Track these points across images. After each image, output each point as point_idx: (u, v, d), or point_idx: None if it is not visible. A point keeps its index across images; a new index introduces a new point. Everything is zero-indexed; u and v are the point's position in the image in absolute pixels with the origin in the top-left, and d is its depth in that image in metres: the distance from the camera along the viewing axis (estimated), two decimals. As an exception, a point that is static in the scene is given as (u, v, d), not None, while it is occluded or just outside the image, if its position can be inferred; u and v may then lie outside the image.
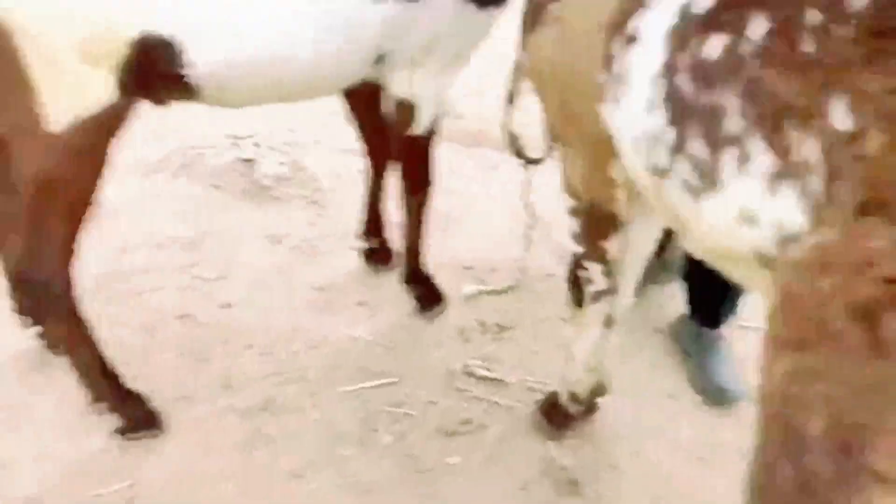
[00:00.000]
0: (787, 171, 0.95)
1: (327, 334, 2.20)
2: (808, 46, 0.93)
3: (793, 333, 0.91)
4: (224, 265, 2.46)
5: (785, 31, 0.95)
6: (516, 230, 2.61)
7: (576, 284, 1.74)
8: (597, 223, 1.61)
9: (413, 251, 2.23)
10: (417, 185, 2.11)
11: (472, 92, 3.11)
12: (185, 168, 2.93)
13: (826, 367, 0.86)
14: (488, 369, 2.12)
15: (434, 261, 2.32)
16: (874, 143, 0.86)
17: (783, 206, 0.97)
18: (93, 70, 1.37)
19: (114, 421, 1.81)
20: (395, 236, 2.43)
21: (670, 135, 1.11)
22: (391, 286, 2.37)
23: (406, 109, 1.95)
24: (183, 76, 1.45)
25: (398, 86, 1.91)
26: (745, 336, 2.18)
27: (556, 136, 1.64)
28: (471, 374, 2.10)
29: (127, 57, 1.38)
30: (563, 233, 2.57)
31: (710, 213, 1.08)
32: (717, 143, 1.03)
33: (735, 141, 1.01)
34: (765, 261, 1.04)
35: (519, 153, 1.99)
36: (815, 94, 0.91)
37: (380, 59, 1.78)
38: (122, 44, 1.37)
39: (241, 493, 1.75)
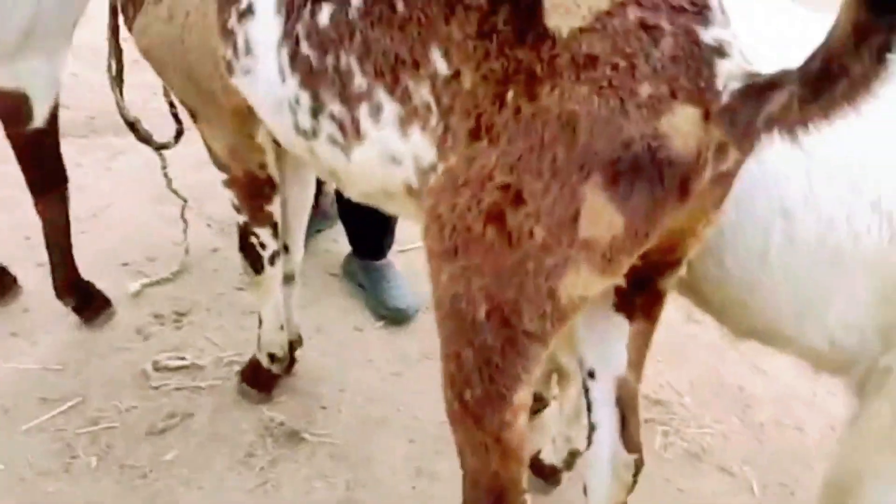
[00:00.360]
0: (412, 114, 1.13)
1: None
2: (402, 8, 1.10)
3: (446, 245, 1.11)
4: None
5: None
6: (164, 213, 2.56)
7: (249, 252, 1.80)
8: (255, 190, 1.69)
9: (62, 261, 2.06)
10: (49, 186, 1.95)
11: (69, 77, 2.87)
12: None
13: (476, 264, 1.08)
14: (180, 358, 2.10)
15: (85, 265, 2.17)
16: (467, 79, 1.07)
17: (415, 143, 1.16)
18: None
19: None
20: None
21: (305, 98, 1.23)
22: (44, 308, 2.17)
23: (17, 101, 1.79)
24: None
25: (3, 77, 1.74)
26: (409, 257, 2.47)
27: (192, 114, 1.65)
28: (163, 369, 2.06)
29: None
30: (215, 205, 2.62)
31: (360, 161, 1.23)
32: (349, 100, 1.17)
33: (364, 96, 1.16)
34: (412, 192, 1.22)
35: (144, 139, 1.94)
36: (418, 47, 1.09)
37: None
38: None
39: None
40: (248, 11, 1.29)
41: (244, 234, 1.78)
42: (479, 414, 1.15)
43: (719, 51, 0.93)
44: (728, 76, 0.92)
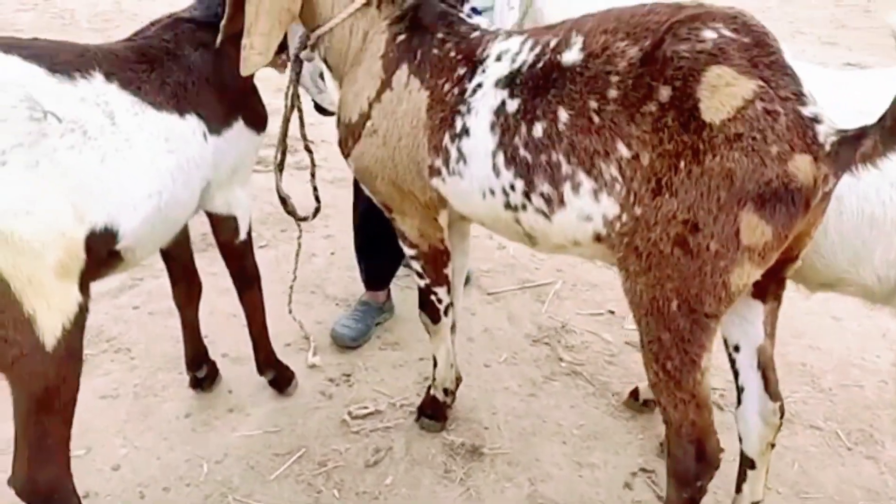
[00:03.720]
0: (602, 185, 1.66)
1: (226, 444, 2.41)
2: (597, 120, 1.64)
3: (642, 265, 1.59)
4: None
5: (579, 114, 1.66)
6: (297, 300, 3.07)
7: (429, 307, 2.32)
8: (437, 258, 2.22)
9: (262, 342, 2.55)
10: (249, 283, 2.46)
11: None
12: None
13: (667, 274, 1.56)
14: (364, 408, 2.58)
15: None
16: (645, 158, 1.58)
17: (604, 205, 1.67)
18: (67, 283, 1.53)
19: None
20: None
21: (520, 184, 1.76)
22: (241, 388, 2.66)
23: (228, 222, 2.31)
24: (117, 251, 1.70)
25: (220, 205, 2.26)
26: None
27: (388, 209, 2.18)
28: (356, 417, 2.54)
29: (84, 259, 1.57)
30: (335, 288, 3.13)
31: (560, 222, 1.75)
32: (557, 182, 1.71)
33: (568, 178, 1.69)
34: (599, 238, 1.74)
35: (291, 212, 2.46)
36: (609, 142, 1.62)
37: (206, 187, 2.12)
38: (80, 248, 1.56)
39: None
40: (464, 133, 1.84)
41: (426, 293, 2.30)
42: (678, 378, 1.64)
43: (816, 119, 1.48)
44: (825, 134, 1.47)
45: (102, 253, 1.66)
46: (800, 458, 2.44)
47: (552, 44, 1.76)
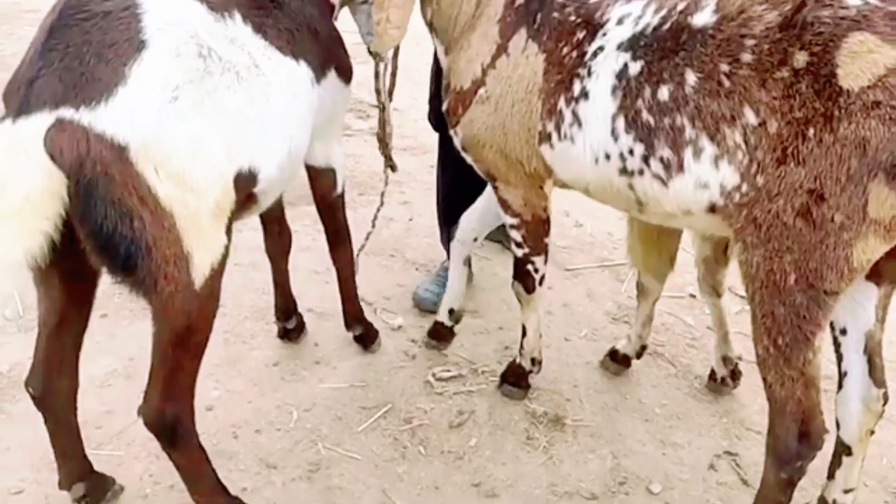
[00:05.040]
0: (724, 152, 1.63)
1: (314, 394, 2.47)
2: (728, 84, 1.61)
3: (761, 237, 1.58)
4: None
5: (708, 76, 1.64)
6: (380, 263, 3.10)
7: (524, 277, 2.33)
8: (539, 227, 2.22)
9: (351, 296, 2.59)
10: (343, 237, 2.49)
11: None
12: None
13: (787, 247, 1.54)
14: (447, 371, 2.61)
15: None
16: (773, 126, 1.55)
17: (723, 173, 1.65)
18: (219, 223, 1.57)
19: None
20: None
21: (639, 148, 1.75)
22: (327, 342, 2.71)
23: (327, 175, 2.33)
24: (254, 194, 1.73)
25: (320, 158, 2.28)
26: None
27: (492, 178, 2.19)
28: (440, 379, 2.57)
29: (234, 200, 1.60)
30: (414, 253, 3.15)
31: (677, 189, 1.73)
32: (679, 146, 1.69)
33: (691, 143, 1.67)
34: (714, 208, 1.72)
35: (387, 156, 2.51)
36: (737, 107, 1.60)
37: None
38: (231, 189, 1.59)
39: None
40: (582, 97, 1.83)
41: (523, 263, 2.30)
42: (788, 355, 1.62)
43: None
44: None
45: (243, 195, 1.68)
46: (888, 453, 2.39)
47: (680, 6, 1.74)
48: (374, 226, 2.66)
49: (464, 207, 2.84)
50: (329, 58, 2.12)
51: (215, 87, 1.54)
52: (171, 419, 1.63)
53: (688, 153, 1.68)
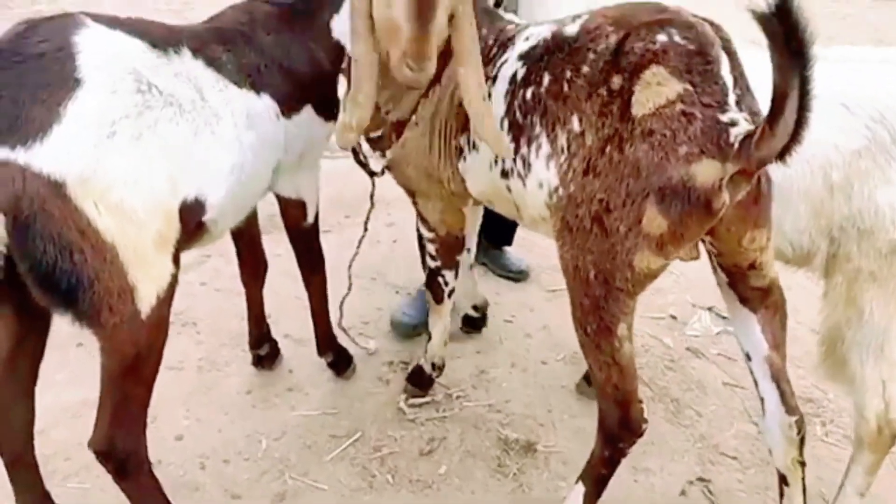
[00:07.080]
0: (553, 152, 1.70)
1: (284, 422, 2.47)
2: (566, 89, 1.68)
3: (571, 239, 1.66)
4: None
5: (556, 80, 1.70)
6: (359, 285, 3.09)
7: (435, 288, 2.44)
8: (452, 245, 2.35)
9: (323, 325, 2.59)
10: (315, 267, 2.50)
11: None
12: None
13: (588, 247, 1.62)
14: (420, 396, 2.60)
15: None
16: (589, 137, 1.62)
17: (551, 174, 1.71)
18: (163, 253, 1.58)
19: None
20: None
21: (512, 146, 1.80)
22: (301, 368, 2.70)
23: (296, 206, 2.34)
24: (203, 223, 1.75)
25: (288, 189, 2.29)
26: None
27: (412, 195, 2.27)
28: (412, 405, 2.56)
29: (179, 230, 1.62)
30: (396, 276, 3.16)
31: (530, 189, 1.78)
32: (530, 143, 1.76)
33: (535, 140, 1.74)
34: (548, 208, 1.74)
35: (362, 164, 2.40)
36: (567, 112, 1.66)
37: (276, 168, 2.15)
38: (176, 219, 1.61)
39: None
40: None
41: (434, 274, 2.40)
42: (596, 341, 1.70)
43: (732, 123, 1.48)
44: (735, 135, 1.47)
45: (191, 224, 1.71)
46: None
47: (567, 21, 1.83)
48: (358, 250, 2.64)
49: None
50: (305, 94, 2.14)
51: (156, 121, 1.57)
52: (120, 449, 1.64)
53: (533, 149, 1.77)
